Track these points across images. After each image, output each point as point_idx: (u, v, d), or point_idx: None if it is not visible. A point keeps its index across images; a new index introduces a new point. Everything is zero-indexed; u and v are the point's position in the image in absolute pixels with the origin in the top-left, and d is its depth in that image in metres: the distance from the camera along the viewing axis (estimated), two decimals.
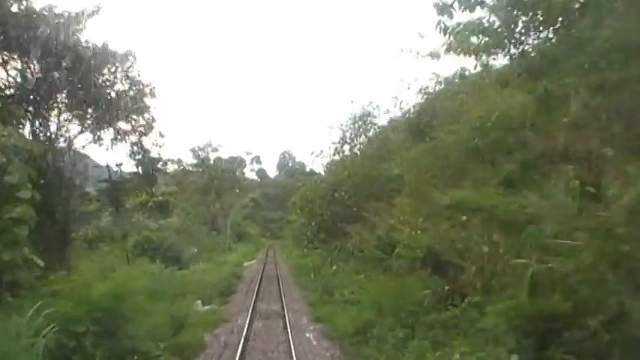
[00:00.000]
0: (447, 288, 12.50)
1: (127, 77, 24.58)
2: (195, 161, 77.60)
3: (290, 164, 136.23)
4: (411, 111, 19.23)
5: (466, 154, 12.65)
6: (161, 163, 25.36)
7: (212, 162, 77.78)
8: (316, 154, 27.96)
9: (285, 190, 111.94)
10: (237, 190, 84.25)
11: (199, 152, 78.75)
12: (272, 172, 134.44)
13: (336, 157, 27.80)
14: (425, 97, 17.68)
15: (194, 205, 71.05)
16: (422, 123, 16.58)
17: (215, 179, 79.07)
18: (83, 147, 24.10)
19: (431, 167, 14.48)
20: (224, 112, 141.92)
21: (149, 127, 25.82)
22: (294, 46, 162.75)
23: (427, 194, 14.30)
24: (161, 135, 25.74)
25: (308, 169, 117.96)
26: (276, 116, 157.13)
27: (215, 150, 78.87)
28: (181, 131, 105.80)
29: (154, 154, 25.54)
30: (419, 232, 14.13)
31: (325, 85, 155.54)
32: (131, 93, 24.93)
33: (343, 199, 25.56)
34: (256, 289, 21.59)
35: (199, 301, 17.33)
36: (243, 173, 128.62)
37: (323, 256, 27.42)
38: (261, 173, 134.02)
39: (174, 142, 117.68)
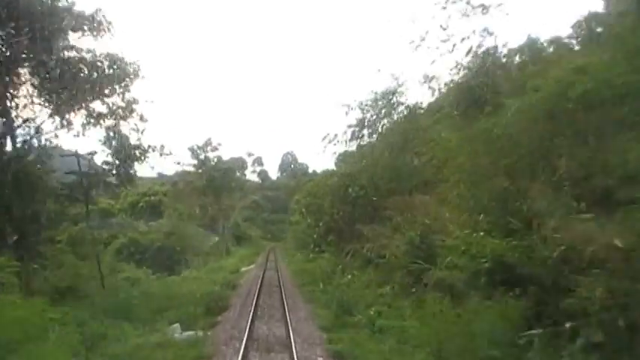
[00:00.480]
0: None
1: (107, 56, 20.57)
2: (194, 161, 73.49)
3: (292, 166, 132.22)
4: (457, 79, 14.76)
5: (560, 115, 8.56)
6: (140, 150, 21.07)
7: (212, 162, 73.62)
8: (329, 139, 23.20)
9: (288, 192, 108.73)
10: (240, 190, 79.87)
11: (198, 151, 74.67)
12: (274, 174, 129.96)
13: (352, 146, 23.28)
14: (478, 57, 13.43)
15: (191, 206, 66.98)
16: (478, 89, 12.33)
17: (214, 179, 74.91)
18: (55, 136, 20.03)
19: (497, 146, 10.25)
20: (226, 113, 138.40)
21: (129, 109, 21.65)
22: (297, 47, 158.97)
23: (492, 182, 10.10)
24: (143, 119, 21.55)
25: (311, 171, 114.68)
26: (278, 117, 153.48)
27: (215, 149, 74.68)
28: (183, 132, 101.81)
29: (132, 140, 21.40)
30: (481, 234, 9.82)
31: (329, 86, 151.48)
32: (109, 70, 20.87)
33: (358, 194, 21.33)
34: (254, 304, 17.29)
35: (177, 325, 13.02)
36: (245, 175, 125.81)
37: (332, 261, 23.17)
38: (263, 175, 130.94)
39: (176, 143, 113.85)
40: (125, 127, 21.35)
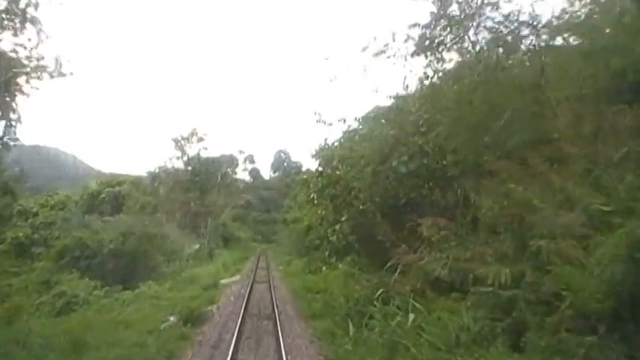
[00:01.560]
0: None
1: None
2: (177, 153, 63.74)
3: (286, 164, 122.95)
4: None
5: None
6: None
7: (198, 155, 63.94)
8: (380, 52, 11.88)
9: (280, 190, 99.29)
10: (227, 187, 70.16)
11: (182, 142, 64.93)
12: (266, 173, 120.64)
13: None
14: None
15: (173, 202, 57.18)
16: None
17: (199, 174, 65.15)
18: None
19: None
20: (216, 110, 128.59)
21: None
22: (290, 42, 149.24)
23: None
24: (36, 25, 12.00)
25: (305, 169, 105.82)
26: (271, 114, 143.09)
27: (201, 140, 65.01)
28: (171, 129, 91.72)
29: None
30: None
31: (323, 83, 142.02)
32: None
33: (412, 165, 11.93)
34: None
35: None
36: (236, 173, 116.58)
37: (361, 279, 13.67)
38: (255, 173, 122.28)
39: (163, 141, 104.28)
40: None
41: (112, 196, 37.06)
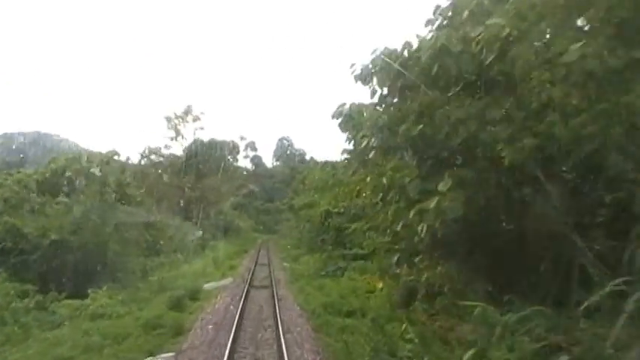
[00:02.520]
0: None
1: None
2: (171, 133, 56.03)
3: (289, 152, 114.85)
4: None
5: None
6: None
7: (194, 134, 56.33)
8: None
9: (285, 178, 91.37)
10: (225, 172, 62.66)
11: (176, 121, 57.16)
12: (268, 161, 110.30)
13: None
14: None
15: (160, 186, 49.44)
16: None
17: (195, 156, 57.62)
18: None
19: None
20: (217, 94, 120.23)
21: None
22: (292, 25, 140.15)
23: None
24: None
25: (309, 157, 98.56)
26: (274, 100, 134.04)
27: (197, 119, 57.20)
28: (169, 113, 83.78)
29: None
30: None
31: (328, 68, 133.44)
32: None
33: None
34: None
35: None
36: (237, 160, 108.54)
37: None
38: (257, 161, 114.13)
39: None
40: None
41: (81, 174, 29.52)
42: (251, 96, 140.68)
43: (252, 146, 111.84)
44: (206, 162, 56.72)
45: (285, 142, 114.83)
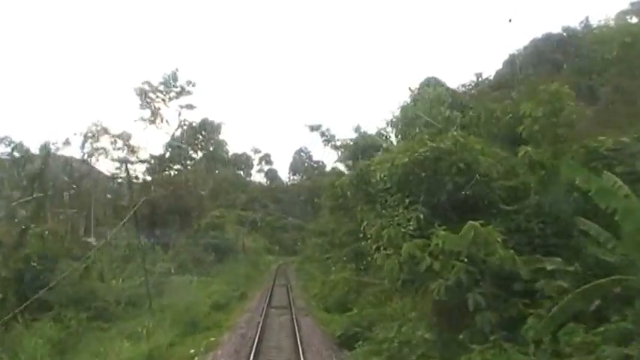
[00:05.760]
0: None
1: None
2: (144, 113, 36.89)
3: (306, 164, 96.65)
4: None
5: None
6: None
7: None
8: None
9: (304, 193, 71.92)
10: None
11: (152, 96, 37.83)
12: (284, 175, 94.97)
13: None
14: None
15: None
16: None
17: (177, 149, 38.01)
18: None
19: None
20: (229, 104, 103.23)
21: None
22: (310, 33, 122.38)
23: None
24: None
25: (328, 169, 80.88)
26: (289, 110, 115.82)
27: (186, 92, 38.04)
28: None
29: None
30: None
31: (345, 74, 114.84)
32: None
33: None
34: None
35: None
36: (250, 174, 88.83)
37: None
38: (272, 175, 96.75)
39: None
40: None
41: None
42: (266, 107, 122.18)
43: (267, 159, 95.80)
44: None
45: (302, 154, 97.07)
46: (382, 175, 10.08)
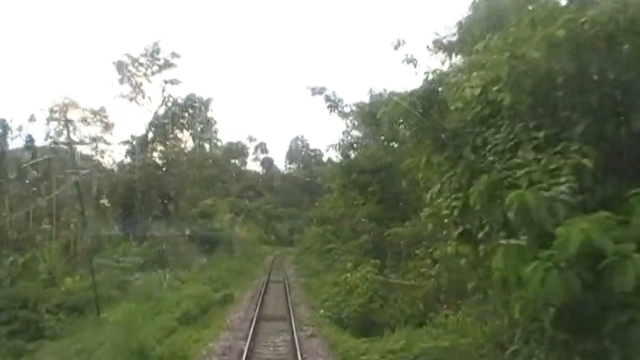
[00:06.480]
0: None
1: None
2: (125, 89, 32.74)
3: (303, 153, 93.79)
4: None
5: None
6: None
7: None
8: None
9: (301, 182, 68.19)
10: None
11: (133, 69, 33.58)
12: (280, 163, 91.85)
13: None
14: None
15: None
16: None
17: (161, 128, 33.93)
18: None
19: None
20: (224, 91, 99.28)
21: None
22: (303, 21, 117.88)
23: None
24: None
25: (326, 159, 78.37)
26: (286, 98, 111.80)
27: (169, 65, 34.02)
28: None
29: None
30: None
31: (343, 62, 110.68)
32: None
33: None
34: None
35: None
36: (245, 163, 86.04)
37: None
38: (268, 163, 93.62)
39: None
40: None
41: None
42: (262, 95, 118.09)
43: (262, 148, 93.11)
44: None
45: (299, 142, 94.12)
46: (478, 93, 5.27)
